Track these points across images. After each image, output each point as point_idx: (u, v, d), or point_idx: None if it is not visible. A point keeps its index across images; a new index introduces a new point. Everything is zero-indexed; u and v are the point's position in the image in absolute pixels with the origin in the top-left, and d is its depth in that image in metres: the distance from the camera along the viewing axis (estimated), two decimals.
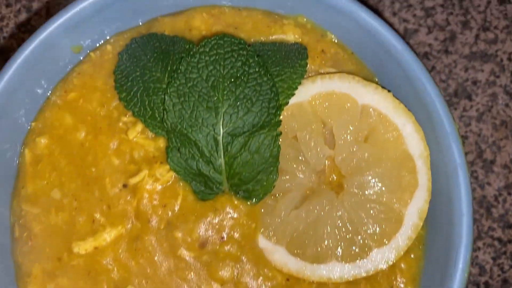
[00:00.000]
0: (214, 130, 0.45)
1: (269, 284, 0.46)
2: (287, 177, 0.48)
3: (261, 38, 0.51)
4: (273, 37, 0.51)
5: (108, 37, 0.52)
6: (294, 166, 0.48)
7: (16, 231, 0.48)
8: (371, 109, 0.47)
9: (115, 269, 0.46)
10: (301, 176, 0.48)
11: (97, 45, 0.52)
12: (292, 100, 0.48)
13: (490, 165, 0.62)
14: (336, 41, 0.51)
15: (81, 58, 0.51)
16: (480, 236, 0.61)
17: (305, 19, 0.51)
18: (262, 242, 0.47)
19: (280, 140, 0.47)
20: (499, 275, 0.59)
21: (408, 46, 0.47)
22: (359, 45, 0.50)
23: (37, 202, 0.48)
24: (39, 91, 0.50)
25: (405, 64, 0.46)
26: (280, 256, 0.46)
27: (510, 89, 0.64)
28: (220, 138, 0.46)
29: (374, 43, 0.48)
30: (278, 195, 0.48)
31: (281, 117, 0.46)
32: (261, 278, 0.46)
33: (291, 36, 0.51)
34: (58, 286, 0.46)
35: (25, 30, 0.68)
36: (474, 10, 0.66)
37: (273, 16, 0.52)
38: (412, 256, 0.47)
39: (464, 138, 0.62)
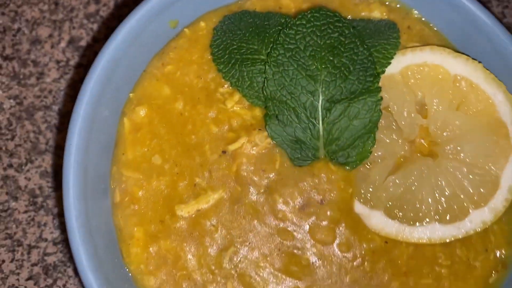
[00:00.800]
0: (313, 97, 0.47)
1: (369, 246, 0.47)
2: (380, 145, 0.49)
3: (349, 15, 0.53)
4: (361, 14, 0.54)
5: (200, 14, 0.54)
6: (387, 135, 0.49)
7: (117, 196, 0.49)
8: (462, 80, 0.49)
9: (218, 231, 0.47)
10: (394, 144, 0.49)
11: (190, 22, 0.54)
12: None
13: None
14: (421, 18, 0.53)
15: (175, 34, 0.54)
16: None
17: None
18: (358, 207, 0.48)
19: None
20: None
21: (497, 20, 0.49)
22: (445, 21, 0.52)
23: (138, 168, 0.49)
24: (137, 63, 0.52)
25: (495, 37, 0.49)
26: (377, 220, 0.47)
27: None
28: (319, 104, 0.47)
29: (462, 19, 0.50)
30: (371, 163, 0.49)
31: (378, 85, 0.48)
32: (360, 240, 0.47)
33: (377, 14, 0.53)
34: (161, 248, 0.47)
35: (94, 21, 0.70)
36: None
37: None
38: (503, 220, 0.48)
39: None
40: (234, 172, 0.49)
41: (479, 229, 0.46)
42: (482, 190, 0.46)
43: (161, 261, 0.47)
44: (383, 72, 0.49)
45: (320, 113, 0.48)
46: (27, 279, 0.58)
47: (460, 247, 0.47)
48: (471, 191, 0.46)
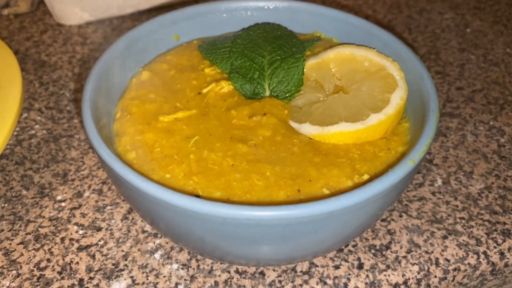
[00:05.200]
0: (262, 58, 0.71)
1: (298, 139, 0.63)
2: (309, 96, 0.70)
3: None
4: None
5: (196, 37, 0.83)
6: (314, 90, 0.71)
7: (119, 113, 0.68)
8: (362, 57, 0.73)
9: (188, 128, 0.64)
10: (318, 94, 0.70)
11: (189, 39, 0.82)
12: (312, 61, 0.75)
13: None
14: (337, 40, 0.81)
15: (174, 46, 0.81)
16: (472, 218, 0.76)
17: (318, 34, 0.83)
18: (292, 124, 0.66)
19: (303, 80, 0.71)
20: (494, 247, 0.71)
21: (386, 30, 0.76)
22: (343, 36, 0.80)
23: (136, 98, 0.70)
24: (150, 55, 0.78)
25: (388, 41, 0.75)
26: (305, 128, 0.65)
27: None
28: (265, 61, 0.71)
29: (362, 35, 0.78)
30: (302, 106, 0.70)
31: (306, 53, 0.72)
32: (291, 136, 0.64)
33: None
34: (145, 137, 0.64)
35: None
36: None
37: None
38: (401, 136, 0.65)
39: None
40: (205, 102, 0.69)
41: (376, 123, 0.63)
42: (378, 103, 0.65)
43: (142, 144, 0.63)
44: (308, 51, 0.74)
45: (266, 66, 0.71)
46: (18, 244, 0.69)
47: (368, 145, 0.63)
48: (371, 105, 0.65)
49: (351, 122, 0.63)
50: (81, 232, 0.71)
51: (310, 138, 0.63)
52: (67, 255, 0.68)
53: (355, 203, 0.49)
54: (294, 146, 0.62)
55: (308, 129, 0.64)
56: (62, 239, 0.70)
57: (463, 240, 0.72)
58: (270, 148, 0.61)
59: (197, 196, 0.56)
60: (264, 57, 0.71)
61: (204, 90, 0.70)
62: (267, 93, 0.69)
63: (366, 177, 0.58)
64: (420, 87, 0.66)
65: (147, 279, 0.65)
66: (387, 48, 0.74)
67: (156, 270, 0.66)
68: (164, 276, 0.65)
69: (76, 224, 0.72)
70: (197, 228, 0.52)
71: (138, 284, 0.65)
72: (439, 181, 0.79)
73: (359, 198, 0.50)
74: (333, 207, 0.49)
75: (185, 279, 0.65)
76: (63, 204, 0.74)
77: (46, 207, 0.74)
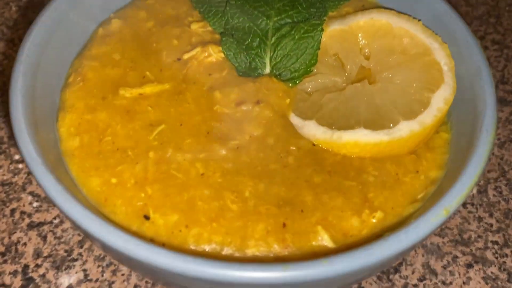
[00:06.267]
0: (266, 19, 0.53)
1: (296, 144, 0.47)
2: (325, 76, 0.53)
3: None
4: None
5: None
6: (332, 69, 0.53)
7: (72, 77, 0.52)
8: (402, 31, 0.54)
9: (153, 111, 0.48)
10: (337, 76, 0.52)
11: None
12: (335, 26, 0.56)
13: None
14: (376, 2, 0.61)
15: None
16: (508, 244, 0.60)
17: None
18: (293, 118, 0.49)
19: (321, 52, 0.53)
20: None
21: None
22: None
23: (97, 58, 0.53)
24: None
25: (436, 6, 0.55)
26: (309, 128, 0.48)
27: None
28: (270, 24, 0.53)
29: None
30: (313, 92, 0.52)
31: (325, 18, 0.54)
32: (288, 138, 0.47)
33: None
34: (95, 118, 0.48)
35: None
36: None
37: None
38: (437, 152, 0.48)
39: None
40: (183, 73, 0.52)
41: (406, 136, 0.45)
42: (413, 106, 0.47)
43: (91, 127, 0.48)
44: (332, 11, 0.55)
45: (270, 31, 0.52)
46: None
47: (391, 163, 0.46)
48: (403, 106, 0.47)
49: (372, 130, 0.46)
50: (35, 204, 0.59)
51: (314, 145, 0.47)
52: (14, 232, 0.56)
53: (351, 270, 0.34)
54: (289, 155, 0.46)
55: (312, 130, 0.48)
56: (12, 211, 0.58)
57: (491, 273, 0.56)
58: (256, 155, 0.45)
59: (146, 217, 0.41)
60: (269, 18, 0.53)
61: (186, 56, 0.53)
62: (267, 69, 0.52)
63: (379, 215, 0.42)
64: (474, 87, 0.48)
65: (102, 275, 0.53)
66: (436, 21, 0.55)
67: (115, 265, 0.53)
68: (123, 275, 0.54)
69: (31, 193, 0.59)
70: (157, 277, 0.38)
71: (90, 280, 0.53)
72: (473, 189, 0.63)
73: (359, 264, 0.34)
74: (321, 274, 0.34)
75: (146, 282, 0.53)
76: (20, 166, 0.62)
77: (0, 167, 0.61)
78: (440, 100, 0.48)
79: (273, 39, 0.52)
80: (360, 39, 0.55)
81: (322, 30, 0.52)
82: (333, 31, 0.55)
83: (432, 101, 0.47)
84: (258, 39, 0.52)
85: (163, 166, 0.44)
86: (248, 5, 0.54)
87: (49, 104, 0.50)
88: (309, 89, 0.52)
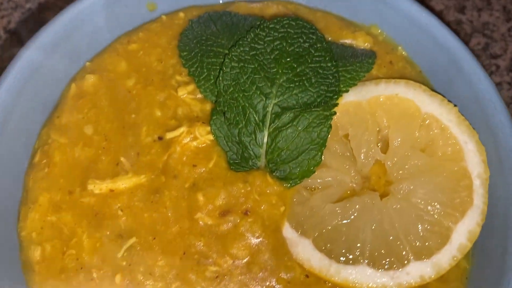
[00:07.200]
0: (265, 99, 0.44)
1: (286, 275, 0.40)
2: (330, 171, 0.44)
3: (330, 38, 0.51)
4: (343, 40, 0.51)
5: (182, 6, 0.53)
6: (340, 162, 0.44)
7: (37, 156, 0.45)
8: (433, 120, 0.44)
9: (124, 217, 0.42)
10: (345, 174, 0.44)
11: (170, 11, 0.53)
12: (350, 98, 0.46)
13: None
14: (405, 56, 0.50)
15: (151, 19, 0.52)
16: None
17: (378, 30, 0.51)
18: (287, 231, 0.42)
19: (330, 134, 0.44)
20: None
21: (482, 67, 0.45)
22: (429, 62, 0.49)
23: (67, 133, 0.46)
24: (104, 35, 0.50)
25: (477, 84, 0.44)
26: (304, 249, 0.41)
27: None
28: (269, 107, 0.43)
29: (447, 60, 0.47)
30: (315, 189, 0.44)
31: (338, 101, 0.44)
32: (278, 266, 0.41)
33: (361, 43, 0.51)
34: (60, 220, 0.42)
35: None
36: None
37: (347, 21, 0.52)
38: (452, 287, 0.41)
39: None
40: (163, 160, 0.44)
41: (415, 284, 0.38)
42: (428, 240, 0.39)
43: (55, 233, 0.42)
44: (347, 91, 0.45)
45: (268, 116, 0.43)
46: None
47: None
48: (416, 239, 0.40)
49: (376, 269, 0.39)
50: None
51: (307, 276, 0.40)
52: None
53: None
54: None
55: (308, 253, 0.41)
56: None
57: None
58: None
59: None
60: (268, 98, 0.44)
61: (168, 135, 0.45)
62: (262, 162, 0.44)
63: None
64: (509, 213, 0.39)
65: None
66: (477, 104, 0.44)
67: None
68: None
69: None
70: None
71: None
72: None
73: None
74: None
75: None
76: None
77: None
78: (463, 234, 0.40)
79: (272, 127, 0.43)
80: (379, 118, 0.45)
81: (330, 126, 0.42)
82: (347, 104, 0.46)
83: (454, 235, 0.39)
84: (253, 124, 0.43)
85: None
86: (245, 76, 0.44)
87: (11, 191, 0.44)
88: (311, 185, 0.44)
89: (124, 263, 0.40)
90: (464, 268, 0.42)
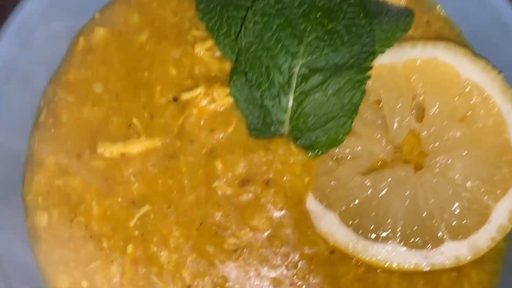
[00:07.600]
0: (292, 59, 0.40)
1: (309, 250, 0.38)
2: (360, 140, 0.41)
3: None
4: None
5: None
6: (370, 130, 0.41)
7: (43, 115, 0.42)
8: (474, 87, 0.40)
9: (137, 183, 0.39)
10: (376, 143, 0.41)
11: None
12: (384, 60, 0.42)
13: None
14: (444, 15, 0.46)
15: None
16: None
17: None
18: (312, 203, 0.39)
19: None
20: None
21: None
22: (471, 23, 0.44)
23: (74, 91, 0.42)
24: None
25: None
26: (329, 223, 0.38)
27: None
28: (296, 68, 0.40)
29: (492, 22, 0.42)
30: (343, 159, 0.41)
31: (372, 63, 0.40)
32: (301, 240, 0.38)
33: (396, 0, 0.46)
34: (67, 185, 0.39)
35: None
36: None
37: None
38: (486, 268, 0.38)
39: None
40: (179, 124, 0.41)
41: (449, 265, 0.36)
42: (466, 218, 0.36)
43: (62, 199, 0.39)
44: (382, 52, 0.41)
45: (295, 79, 0.40)
46: None
47: (424, 285, 0.37)
48: (452, 217, 0.37)
49: (408, 247, 0.36)
50: None
51: (331, 252, 0.38)
52: None
53: None
54: (295, 266, 0.37)
55: (333, 227, 0.38)
56: None
57: None
58: (258, 263, 0.37)
59: None
60: (296, 57, 0.40)
61: (184, 96, 0.41)
62: (285, 128, 0.40)
63: None
64: None
65: None
66: None
67: None
68: None
69: None
70: None
71: None
72: None
73: None
74: None
75: None
76: None
77: None
78: (504, 214, 0.37)
79: (298, 91, 0.39)
80: (414, 83, 0.41)
81: (364, 91, 0.39)
82: (380, 67, 0.42)
83: (493, 214, 0.37)
84: (278, 87, 0.40)
85: (143, 269, 0.36)
86: (270, 32, 0.40)
87: (16, 152, 0.41)
88: (338, 155, 0.41)
89: (137, 233, 0.38)
90: (500, 248, 0.39)
